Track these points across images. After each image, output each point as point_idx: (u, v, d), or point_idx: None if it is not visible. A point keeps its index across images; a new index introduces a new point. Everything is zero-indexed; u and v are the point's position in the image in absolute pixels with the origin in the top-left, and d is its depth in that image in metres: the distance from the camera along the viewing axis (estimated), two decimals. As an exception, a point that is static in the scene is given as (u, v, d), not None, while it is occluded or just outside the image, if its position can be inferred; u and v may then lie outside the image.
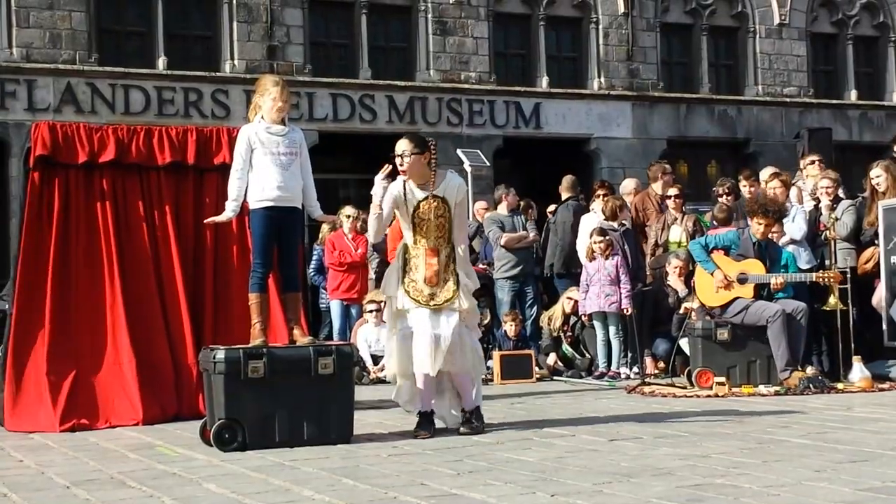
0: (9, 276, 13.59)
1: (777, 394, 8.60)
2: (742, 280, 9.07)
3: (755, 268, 9.08)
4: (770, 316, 8.95)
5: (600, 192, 12.18)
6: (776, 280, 8.99)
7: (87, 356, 7.78)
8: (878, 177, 10.11)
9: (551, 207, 12.67)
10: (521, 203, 12.83)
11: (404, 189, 6.53)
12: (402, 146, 6.54)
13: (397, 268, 6.58)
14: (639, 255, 11.47)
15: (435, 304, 6.43)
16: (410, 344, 6.45)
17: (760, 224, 9.13)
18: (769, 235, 9.75)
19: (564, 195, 12.78)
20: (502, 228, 12.15)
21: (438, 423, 6.63)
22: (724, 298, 9.18)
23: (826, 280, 9.06)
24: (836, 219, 10.01)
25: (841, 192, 10.84)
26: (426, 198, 6.56)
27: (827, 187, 10.54)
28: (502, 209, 12.46)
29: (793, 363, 8.86)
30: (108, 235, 7.98)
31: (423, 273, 6.48)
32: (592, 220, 12.03)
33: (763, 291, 9.13)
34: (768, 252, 9.22)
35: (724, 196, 11.67)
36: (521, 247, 12.12)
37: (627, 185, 13.25)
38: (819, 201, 10.66)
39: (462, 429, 6.50)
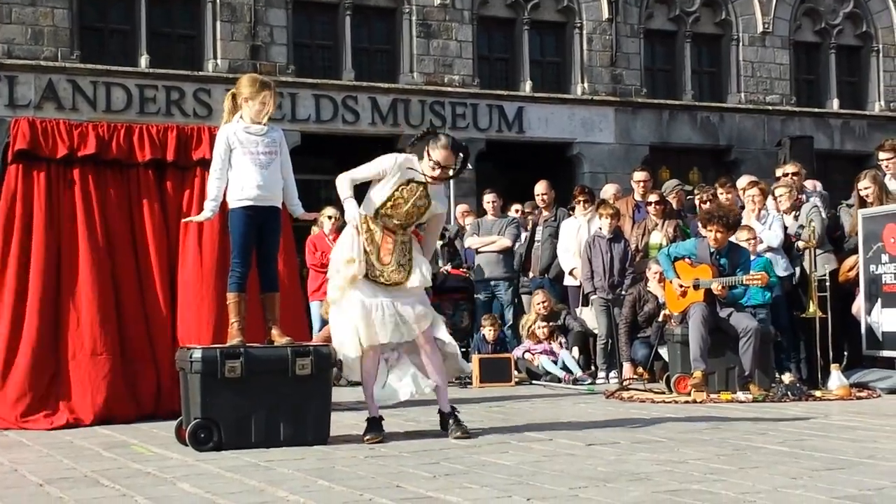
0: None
1: (755, 401, 8.61)
2: (696, 286, 9.13)
3: (704, 273, 9.14)
4: (691, 313, 9.02)
5: (580, 197, 12.22)
6: (716, 286, 9.01)
7: (68, 350, 7.70)
8: (866, 188, 10.13)
9: (545, 214, 12.65)
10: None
11: (403, 166, 6.38)
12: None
13: (353, 234, 6.38)
14: (625, 261, 11.44)
15: (385, 282, 6.34)
16: (369, 315, 6.30)
17: (711, 231, 9.18)
18: (748, 242, 9.83)
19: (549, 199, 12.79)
20: (477, 233, 12.27)
21: (404, 397, 6.51)
22: (683, 304, 9.23)
23: (754, 282, 9.09)
24: (811, 227, 10.03)
25: (817, 200, 10.86)
26: (409, 182, 6.42)
27: (781, 195, 10.60)
28: (489, 214, 12.56)
29: (701, 364, 8.85)
30: (89, 230, 7.89)
31: (375, 252, 6.36)
32: (573, 225, 12.05)
33: (723, 298, 9.13)
34: (730, 257, 9.22)
35: (707, 203, 11.67)
36: (488, 251, 12.15)
37: (607, 191, 13.26)
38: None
39: (456, 433, 6.35)
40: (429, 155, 6.38)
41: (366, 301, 6.31)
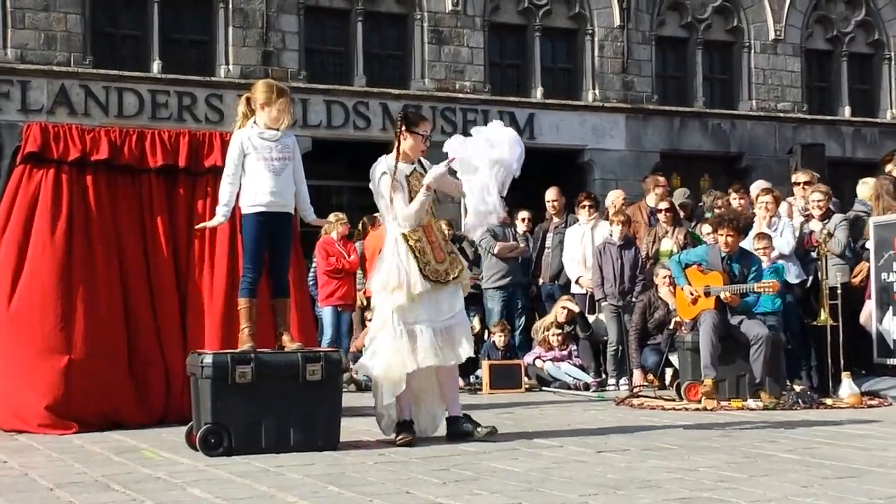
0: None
1: (766, 408, 8.59)
2: (707, 293, 9.13)
3: (716, 280, 9.14)
4: (702, 320, 9.03)
5: (586, 203, 12.18)
6: (725, 294, 8.99)
7: (77, 353, 7.70)
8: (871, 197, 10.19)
9: (556, 220, 12.64)
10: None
11: (395, 169, 6.50)
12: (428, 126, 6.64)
13: (404, 255, 6.43)
14: (636, 268, 11.43)
15: (448, 280, 6.48)
16: (413, 341, 6.40)
17: (722, 235, 9.17)
18: (763, 251, 9.83)
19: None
20: (495, 238, 12.17)
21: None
22: (695, 311, 9.22)
23: (765, 290, 9.07)
24: (830, 234, 10.01)
25: (832, 207, 10.87)
26: (413, 171, 6.60)
27: (818, 201, 10.57)
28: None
29: (712, 371, 8.84)
30: (100, 234, 7.90)
31: (431, 254, 6.46)
32: (577, 233, 12.03)
33: (736, 306, 9.12)
34: (741, 263, 9.20)
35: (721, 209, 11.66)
36: (511, 256, 12.15)
37: (611, 197, 13.24)
38: (807, 218, 10.68)
39: (479, 430, 6.49)
40: (412, 135, 6.56)
41: (409, 327, 6.41)
